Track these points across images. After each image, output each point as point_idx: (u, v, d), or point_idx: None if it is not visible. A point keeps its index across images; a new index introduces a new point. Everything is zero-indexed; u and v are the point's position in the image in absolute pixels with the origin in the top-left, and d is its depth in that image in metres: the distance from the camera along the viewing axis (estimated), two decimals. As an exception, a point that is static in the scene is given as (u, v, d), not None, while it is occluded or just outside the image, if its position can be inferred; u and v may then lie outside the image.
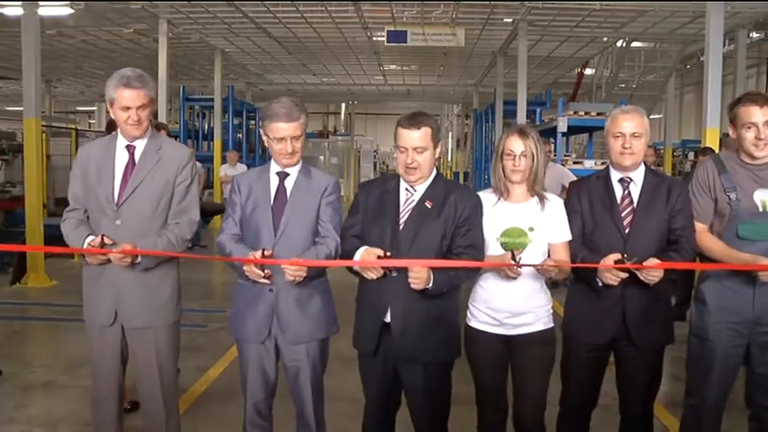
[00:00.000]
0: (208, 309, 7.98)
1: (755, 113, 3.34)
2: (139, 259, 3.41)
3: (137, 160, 3.52)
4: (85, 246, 3.41)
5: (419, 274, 3.06)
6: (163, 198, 3.52)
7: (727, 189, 3.44)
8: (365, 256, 3.13)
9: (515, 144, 3.33)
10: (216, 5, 14.26)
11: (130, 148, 3.53)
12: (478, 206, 3.33)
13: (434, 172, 3.34)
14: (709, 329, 3.50)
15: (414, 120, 3.23)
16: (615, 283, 3.28)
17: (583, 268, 3.37)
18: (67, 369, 5.91)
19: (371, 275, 3.12)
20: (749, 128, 3.36)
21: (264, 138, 3.40)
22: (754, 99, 3.36)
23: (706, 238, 3.49)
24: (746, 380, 3.58)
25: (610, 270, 3.24)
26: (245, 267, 3.25)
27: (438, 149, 3.31)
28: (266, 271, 3.24)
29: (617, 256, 3.23)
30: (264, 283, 3.29)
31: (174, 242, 3.50)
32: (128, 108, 3.41)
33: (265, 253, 3.21)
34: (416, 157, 3.21)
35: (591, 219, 3.46)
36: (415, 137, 3.20)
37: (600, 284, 3.34)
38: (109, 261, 3.37)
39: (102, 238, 3.34)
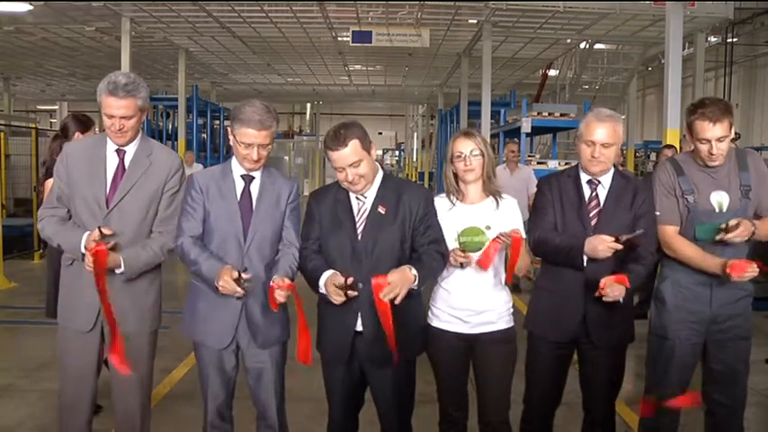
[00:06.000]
0: (172, 310, 7.87)
1: (708, 130, 3.32)
2: (122, 269, 3.31)
3: (127, 166, 3.42)
4: (84, 241, 3.25)
5: (390, 290, 2.97)
6: (152, 205, 3.44)
7: (684, 191, 3.48)
8: (329, 284, 3.07)
9: (464, 145, 3.36)
10: (180, 4, 14.15)
11: (120, 153, 3.42)
12: (431, 201, 3.34)
13: (380, 173, 3.30)
14: (668, 328, 3.56)
15: (338, 138, 3.13)
16: (608, 255, 3.25)
17: (565, 252, 3.39)
18: (27, 373, 5.81)
19: (338, 300, 3.06)
20: (702, 142, 3.37)
21: (231, 138, 3.29)
22: (708, 116, 3.31)
23: (679, 243, 3.50)
24: (703, 376, 3.65)
25: (603, 244, 3.24)
26: (219, 283, 3.09)
27: (373, 152, 3.26)
28: (242, 291, 3.11)
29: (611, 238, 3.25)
30: (240, 295, 3.15)
31: (158, 252, 3.42)
32: (111, 116, 3.30)
33: (243, 276, 3.09)
34: (356, 171, 3.16)
35: (561, 215, 3.50)
36: (346, 154, 3.13)
37: (585, 263, 3.35)
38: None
39: (101, 230, 3.21)
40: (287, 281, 3.14)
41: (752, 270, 3.27)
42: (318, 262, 3.21)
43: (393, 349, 3.09)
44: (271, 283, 3.14)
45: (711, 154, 3.37)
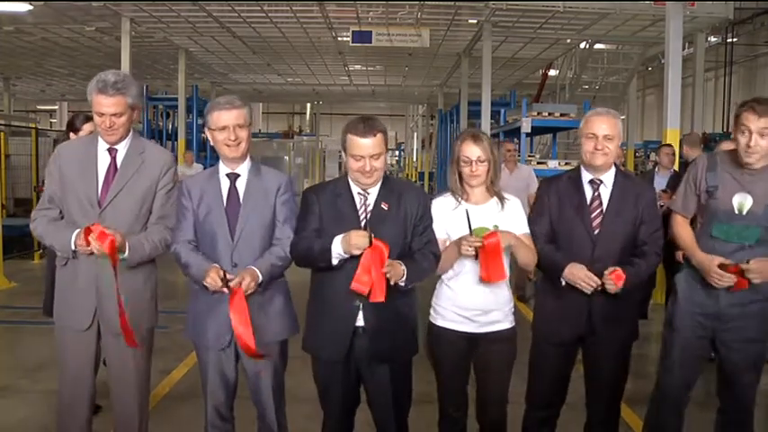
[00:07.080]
0: (170, 310, 7.84)
1: (752, 121, 3.31)
2: (126, 255, 3.30)
3: (119, 164, 3.43)
4: (74, 237, 3.27)
5: (393, 269, 3.01)
6: (145, 203, 3.45)
7: (709, 187, 3.50)
8: (354, 236, 3.01)
9: (471, 150, 3.38)
10: (180, 4, 14.12)
11: (112, 152, 3.43)
12: (428, 203, 3.39)
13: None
14: (676, 318, 3.60)
15: (367, 127, 3.17)
16: (588, 290, 3.34)
17: (548, 268, 3.49)
18: (26, 373, 5.81)
19: (364, 242, 2.99)
20: (743, 132, 3.35)
21: (210, 137, 3.34)
22: (757, 109, 3.30)
23: (681, 227, 3.63)
24: (717, 375, 3.66)
25: (583, 278, 3.34)
26: (206, 280, 3.15)
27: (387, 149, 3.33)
28: (226, 289, 3.15)
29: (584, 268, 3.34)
30: (224, 292, 3.19)
31: (158, 245, 3.42)
32: (102, 114, 3.32)
33: (228, 276, 3.15)
34: (374, 163, 3.18)
35: (559, 219, 3.50)
36: (372, 144, 3.16)
37: (563, 284, 3.39)
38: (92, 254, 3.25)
39: (90, 228, 3.20)
40: (247, 281, 3.14)
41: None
42: (323, 240, 3.17)
43: (382, 287, 3.01)
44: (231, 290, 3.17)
45: (749, 146, 3.34)
